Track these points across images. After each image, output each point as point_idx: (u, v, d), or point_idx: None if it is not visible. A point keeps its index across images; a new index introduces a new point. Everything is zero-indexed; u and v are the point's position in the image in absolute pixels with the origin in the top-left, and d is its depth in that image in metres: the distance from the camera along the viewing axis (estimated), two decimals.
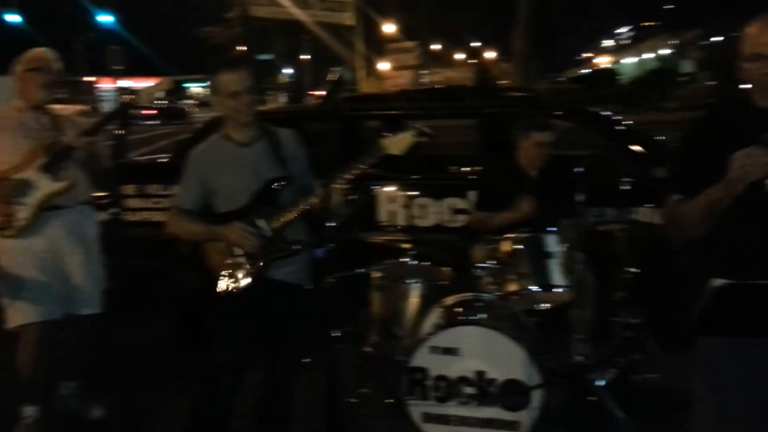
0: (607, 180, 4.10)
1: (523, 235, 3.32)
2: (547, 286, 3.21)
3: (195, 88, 48.66)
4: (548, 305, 3.36)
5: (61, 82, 3.39)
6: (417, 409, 3.17)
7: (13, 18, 33.30)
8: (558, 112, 4.89)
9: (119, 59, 11.88)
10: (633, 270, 3.58)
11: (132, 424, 2.46)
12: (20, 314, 3.29)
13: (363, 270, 3.67)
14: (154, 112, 30.16)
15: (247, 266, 2.86)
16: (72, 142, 3.26)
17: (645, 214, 4.28)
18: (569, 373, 3.31)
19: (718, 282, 1.81)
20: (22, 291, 3.29)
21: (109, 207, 2.36)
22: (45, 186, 3.27)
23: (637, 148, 4.68)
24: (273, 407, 3.04)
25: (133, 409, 2.42)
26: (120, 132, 2.49)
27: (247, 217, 2.86)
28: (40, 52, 3.40)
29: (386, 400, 3.49)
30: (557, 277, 3.22)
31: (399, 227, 4.78)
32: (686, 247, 2.18)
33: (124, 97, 2.66)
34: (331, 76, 3.93)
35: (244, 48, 27.23)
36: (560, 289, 3.20)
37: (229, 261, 2.88)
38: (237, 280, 2.87)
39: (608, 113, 5.33)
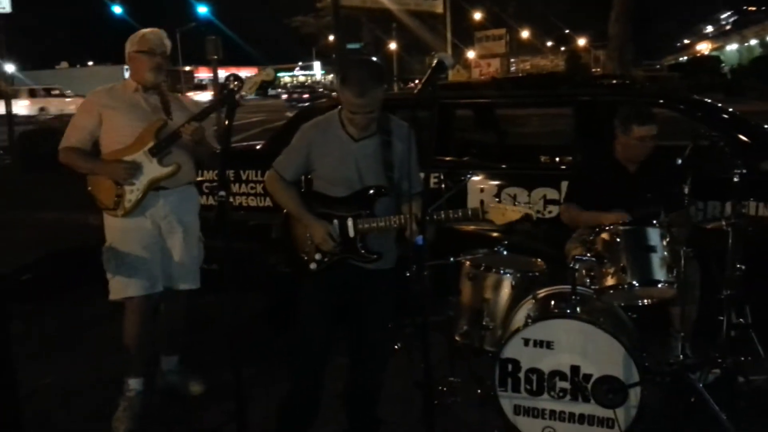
0: (712, 172, 3.91)
1: (623, 227, 3.20)
2: (647, 281, 3.08)
3: (285, 77, 49.70)
4: (649, 301, 3.23)
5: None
6: (508, 401, 3.13)
7: (117, 10, 35.11)
8: (660, 100, 4.69)
9: (217, 49, 12.19)
10: (741, 267, 3.40)
11: (229, 401, 2.54)
12: (125, 287, 3.46)
13: (455, 259, 3.65)
14: (307, 96, 31.63)
15: (321, 255, 2.91)
16: (180, 127, 3.37)
17: (753, 208, 4.07)
18: (670, 372, 3.17)
19: None
20: (127, 266, 3.46)
21: (216, 191, 2.43)
22: (153, 171, 3.42)
23: (744, 138, 4.44)
24: (362, 391, 3.07)
25: (231, 385, 2.49)
26: (226, 118, 2.55)
27: (338, 211, 2.89)
28: (148, 32, 3.48)
29: (478, 391, 3.47)
30: (659, 272, 3.08)
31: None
32: None
33: (231, 84, 2.71)
34: (431, 60, 3.88)
35: (334, 37, 27.53)
36: (662, 285, 3.07)
37: (309, 243, 2.92)
38: (313, 264, 2.92)
39: (712, 102, 5.06)
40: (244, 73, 3.79)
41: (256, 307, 4.89)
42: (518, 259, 3.74)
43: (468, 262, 3.66)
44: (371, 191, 2.88)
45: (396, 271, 3.07)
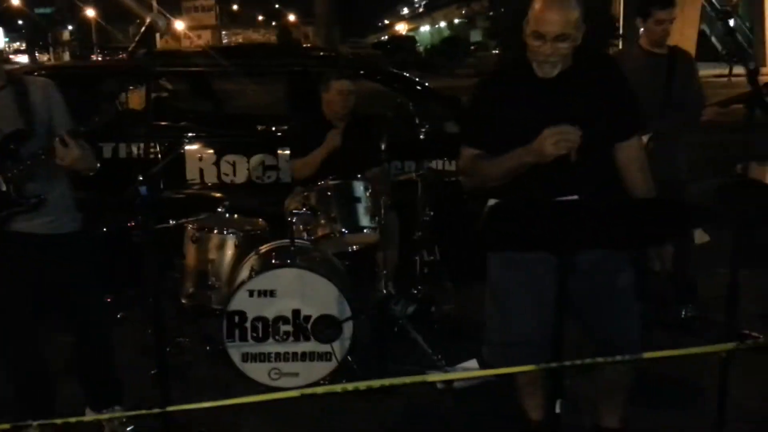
0: (406, 135, 4.48)
1: (332, 182, 3.56)
2: (354, 229, 3.48)
3: None
4: (356, 247, 3.65)
5: None
6: (236, 350, 3.33)
7: None
8: (360, 71, 5.18)
9: None
10: (430, 212, 3.99)
11: None
12: None
13: (178, 222, 3.71)
14: None
15: None
16: None
17: (439, 164, 4.74)
18: (376, 306, 3.63)
19: (492, 202, 2.16)
20: None
21: None
22: None
23: (434, 105, 5.12)
24: (91, 357, 3.02)
25: None
26: None
27: None
28: None
29: (207, 348, 3.61)
30: (364, 220, 3.51)
31: (210, 184, 4.83)
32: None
33: None
34: (138, 30, 3.81)
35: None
36: (367, 231, 3.50)
37: None
38: None
39: (407, 74, 5.72)
40: None
41: None
42: (240, 220, 3.93)
43: (191, 225, 3.74)
44: (10, 138, 2.71)
45: (86, 235, 2.97)
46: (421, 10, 53.45)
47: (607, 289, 2.42)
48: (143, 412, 2.11)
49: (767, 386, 3.27)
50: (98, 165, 2.87)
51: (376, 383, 2.15)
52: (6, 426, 1.82)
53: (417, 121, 4.61)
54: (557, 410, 2.12)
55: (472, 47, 34.23)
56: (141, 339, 3.64)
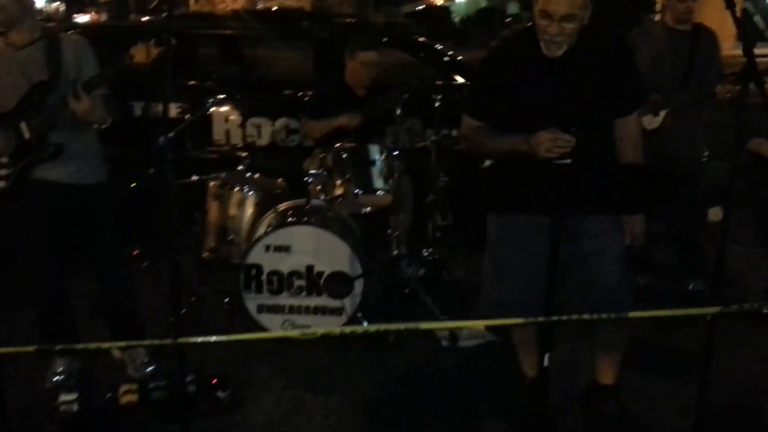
0: (425, 103, 4.56)
1: (348, 145, 3.68)
2: (368, 190, 3.61)
3: None
4: (370, 208, 3.77)
5: None
6: (252, 301, 3.50)
7: None
8: (384, 38, 5.25)
9: None
10: (444, 178, 4.10)
11: None
12: None
13: (198, 177, 3.87)
14: None
15: (6, 169, 2.90)
16: None
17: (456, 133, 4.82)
18: (387, 266, 3.77)
19: (487, 163, 2.26)
20: None
21: None
22: None
23: (454, 74, 5.17)
24: (114, 300, 3.22)
25: None
26: None
27: (10, 120, 2.89)
28: None
29: (225, 300, 3.79)
30: (378, 182, 3.63)
31: (236, 145, 4.98)
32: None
33: None
34: None
35: None
36: (380, 192, 3.62)
37: None
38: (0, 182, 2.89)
39: (431, 43, 5.78)
40: None
41: None
42: (261, 180, 4.08)
43: (214, 182, 3.91)
44: (37, 88, 2.89)
45: (108, 188, 3.14)
46: None
47: (597, 253, 2.52)
48: (157, 342, 2.27)
49: (753, 353, 3.39)
50: (110, 119, 3.00)
51: (371, 328, 2.29)
52: (30, 348, 2.00)
53: (438, 91, 4.69)
54: (545, 363, 2.26)
55: (508, 19, 33.75)
56: (165, 289, 3.83)
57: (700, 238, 4.05)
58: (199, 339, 1.90)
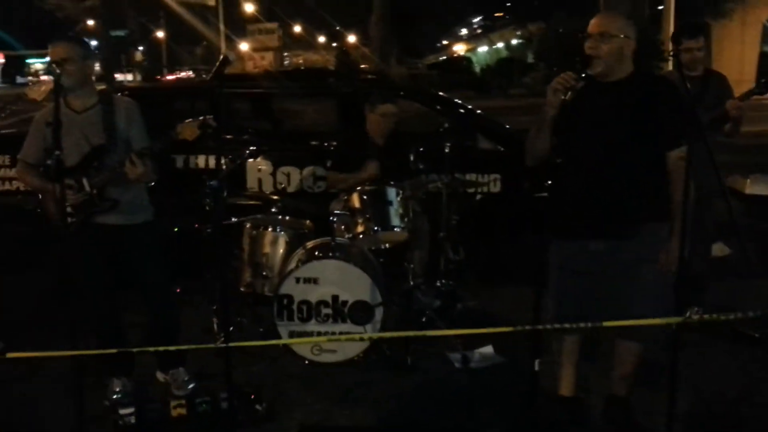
0: (436, 150, 5.02)
1: (369, 188, 4.15)
2: (386, 227, 4.05)
3: (37, 63, 45.95)
4: (388, 244, 4.21)
5: None
6: (285, 328, 3.93)
7: None
8: (401, 93, 5.77)
9: None
10: (455, 217, 4.54)
11: None
12: None
13: (236, 219, 4.34)
14: None
15: (71, 218, 3.31)
16: None
17: (467, 177, 5.25)
18: (405, 296, 4.19)
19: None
20: None
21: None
22: None
23: (467, 123, 5.64)
24: (159, 327, 3.67)
25: None
26: None
27: (74, 175, 3.33)
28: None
29: (260, 329, 4.21)
30: (395, 220, 4.08)
31: (267, 192, 5.46)
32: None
33: None
34: (201, 51, 4.51)
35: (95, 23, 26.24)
36: (396, 229, 4.06)
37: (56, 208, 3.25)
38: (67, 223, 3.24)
39: (444, 95, 6.28)
40: None
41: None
42: (291, 221, 4.54)
43: (249, 224, 4.38)
44: (95, 150, 3.35)
45: (156, 225, 3.58)
46: (479, 31, 53.94)
47: (628, 275, 2.90)
48: (209, 346, 2.69)
49: (718, 364, 3.73)
50: (156, 178, 3.45)
51: (386, 335, 2.68)
52: (113, 350, 2.43)
53: (443, 135, 5.13)
54: (536, 368, 2.65)
55: (527, 68, 34.49)
56: (204, 321, 4.30)
57: (703, 271, 4.33)
58: (248, 343, 2.32)
